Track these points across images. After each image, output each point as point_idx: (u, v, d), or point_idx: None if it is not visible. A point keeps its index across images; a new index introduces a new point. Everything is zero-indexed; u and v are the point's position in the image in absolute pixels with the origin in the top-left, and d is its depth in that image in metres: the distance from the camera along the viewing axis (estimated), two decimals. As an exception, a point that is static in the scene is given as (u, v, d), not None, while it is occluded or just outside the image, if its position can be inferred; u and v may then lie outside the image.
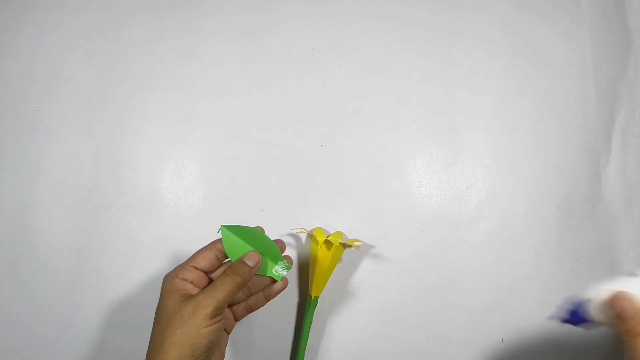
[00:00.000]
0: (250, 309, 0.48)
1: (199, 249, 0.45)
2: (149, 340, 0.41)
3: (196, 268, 0.42)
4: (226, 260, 0.46)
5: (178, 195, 0.58)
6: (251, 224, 0.58)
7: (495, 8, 0.61)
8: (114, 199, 0.58)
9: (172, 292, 0.40)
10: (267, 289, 0.47)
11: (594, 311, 0.41)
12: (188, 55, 0.61)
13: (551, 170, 0.58)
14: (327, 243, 0.52)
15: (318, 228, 0.56)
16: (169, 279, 0.42)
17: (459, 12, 0.61)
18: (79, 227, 0.57)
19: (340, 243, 0.52)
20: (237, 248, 0.44)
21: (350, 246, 0.55)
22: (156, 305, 0.42)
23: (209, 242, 0.45)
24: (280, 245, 0.47)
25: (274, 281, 0.47)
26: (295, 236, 0.57)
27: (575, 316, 0.42)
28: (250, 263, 0.43)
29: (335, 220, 0.57)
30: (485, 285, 0.56)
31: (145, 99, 0.60)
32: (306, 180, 0.58)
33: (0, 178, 0.58)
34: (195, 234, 0.57)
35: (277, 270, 0.46)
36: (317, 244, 0.52)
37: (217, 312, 0.40)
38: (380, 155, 0.58)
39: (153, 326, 0.41)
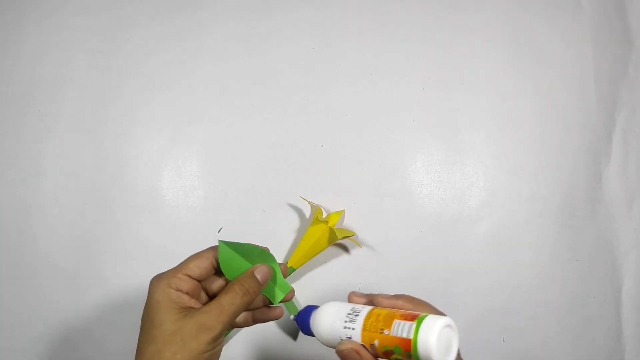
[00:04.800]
0: (236, 326, 0.41)
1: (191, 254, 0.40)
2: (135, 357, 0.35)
3: (190, 277, 0.37)
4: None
5: (178, 195, 0.58)
6: (251, 223, 0.58)
7: (496, 8, 0.61)
8: (115, 199, 0.58)
9: (167, 305, 0.35)
10: (260, 311, 0.41)
11: (315, 329, 0.38)
12: (188, 56, 0.61)
13: (551, 170, 0.58)
14: (320, 221, 0.52)
15: (321, 209, 0.55)
16: (161, 288, 0.36)
17: (459, 12, 0.61)
18: (80, 227, 0.57)
19: (333, 228, 0.52)
20: (234, 265, 0.38)
21: (348, 238, 0.55)
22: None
23: (206, 247, 0.40)
24: (282, 269, 0.41)
25: (267, 304, 0.41)
26: (298, 210, 0.57)
27: (303, 323, 0.39)
28: (260, 278, 0.37)
29: (335, 220, 0.57)
30: (485, 285, 0.56)
31: (145, 100, 0.60)
32: (306, 180, 0.58)
33: (1, 178, 0.58)
34: (195, 234, 0.57)
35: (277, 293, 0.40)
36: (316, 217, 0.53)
37: (222, 335, 0.35)
38: (380, 155, 0.58)
39: (142, 342, 0.35)
